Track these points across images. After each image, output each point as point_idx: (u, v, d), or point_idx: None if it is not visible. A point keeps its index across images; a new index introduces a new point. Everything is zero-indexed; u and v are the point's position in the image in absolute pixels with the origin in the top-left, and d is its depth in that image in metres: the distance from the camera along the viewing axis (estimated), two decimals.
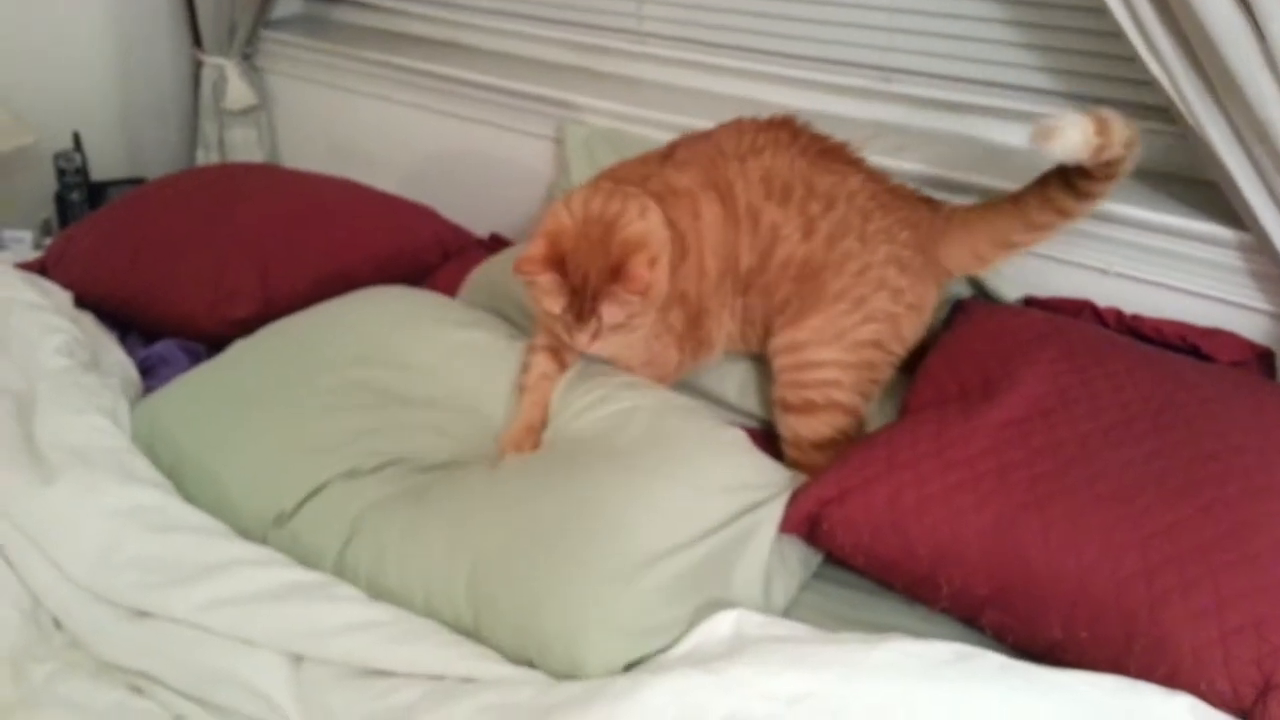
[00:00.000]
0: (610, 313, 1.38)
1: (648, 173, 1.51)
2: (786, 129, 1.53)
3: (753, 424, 1.63)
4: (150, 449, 1.48)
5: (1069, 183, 1.42)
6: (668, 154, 1.55)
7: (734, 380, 1.66)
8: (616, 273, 1.35)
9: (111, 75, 2.71)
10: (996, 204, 1.51)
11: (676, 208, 1.45)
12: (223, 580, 1.25)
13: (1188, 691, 1.06)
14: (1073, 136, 1.31)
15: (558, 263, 1.37)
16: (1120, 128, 1.32)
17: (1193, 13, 1.30)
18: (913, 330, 1.52)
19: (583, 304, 1.38)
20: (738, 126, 1.54)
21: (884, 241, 1.47)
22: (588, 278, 1.37)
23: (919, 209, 1.53)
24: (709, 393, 1.66)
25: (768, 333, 1.53)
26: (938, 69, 1.84)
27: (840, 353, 1.47)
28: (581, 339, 1.41)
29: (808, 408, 1.49)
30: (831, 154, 1.52)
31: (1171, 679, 1.08)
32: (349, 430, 1.47)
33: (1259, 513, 1.16)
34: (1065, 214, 1.46)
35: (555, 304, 1.39)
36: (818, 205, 1.47)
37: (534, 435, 1.49)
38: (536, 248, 1.38)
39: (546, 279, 1.38)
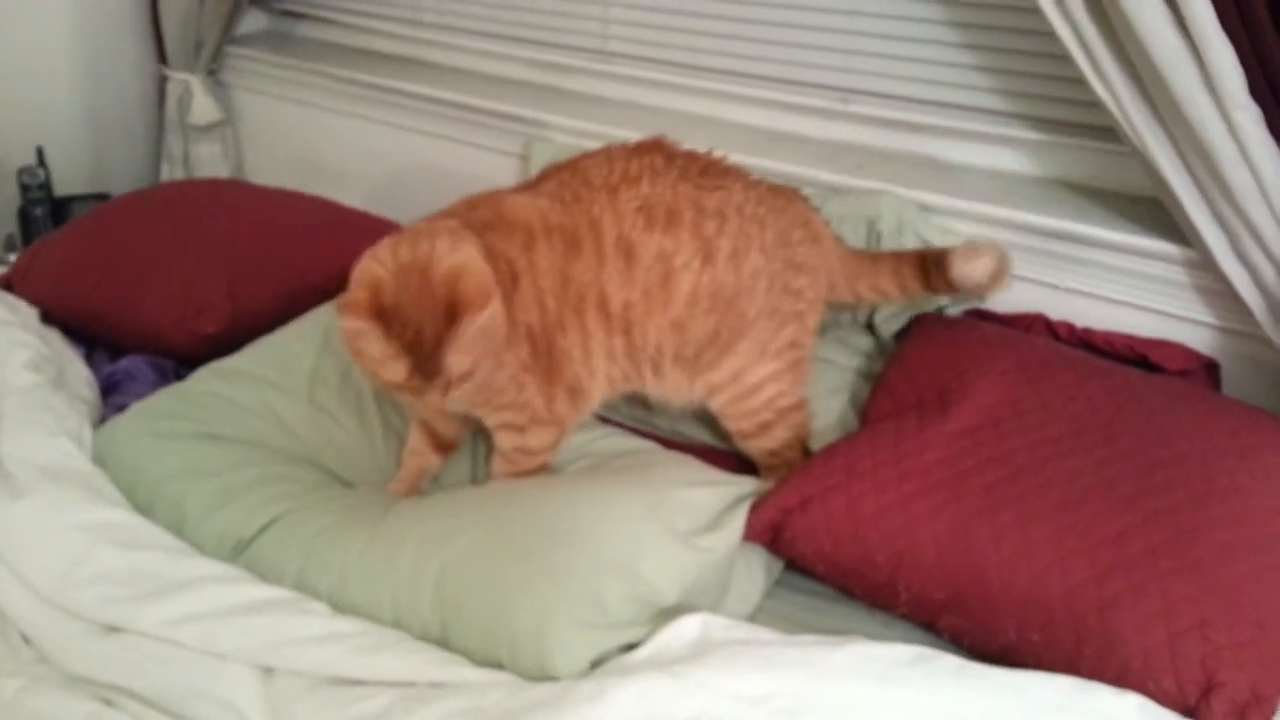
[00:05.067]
0: (456, 360, 1.25)
1: (482, 200, 1.43)
2: (659, 153, 1.46)
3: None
4: (109, 473, 1.49)
5: (925, 273, 1.56)
6: (526, 184, 1.49)
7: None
8: (451, 311, 1.23)
9: (76, 90, 2.70)
10: (859, 254, 1.63)
11: (506, 237, 1.36)
12: (192, 596, 1.26)
13: (1137, 691, 1.09)
14: (988, 265, 1.51)
15: (381, 316, 1.24)
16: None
17: (1136, 38, 1.35)
18: (816, 322, 1.56)
19: (425, 360, 1.25)
20: (607, 155, 1.47)
21: (781, 246, 1.47)
22: (421, 331, 1.24)
23: (800, 204, 1.55)
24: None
25: (686, 367, 1.47)
26: (895, 90, 1.89)
27: (770, 364, 1.48)
28: (434, 396, 1.29)
29: (764, 427, 1.51)
30: (711, 170, 1.47)
31: (1121, 679, 1.11)
32: (303, 465, 1.50)
33: (1202, 518, 1.20)
34: (908, 295, 1.60)
35: (396, 371, 1.26)
36: (712, 225, 1.41)
37: (415, 489, 1.53)
38: (356, 295, 1.25)
39: (372, 331, 1.24)
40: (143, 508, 1.43)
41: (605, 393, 1.49)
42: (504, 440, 1.48)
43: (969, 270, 1.51)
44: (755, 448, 1.54)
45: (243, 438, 1.52)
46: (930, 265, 1.55)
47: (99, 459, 1.51)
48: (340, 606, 1.28)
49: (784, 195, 1.53)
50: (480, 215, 1.39)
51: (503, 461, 1.49)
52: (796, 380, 1.52)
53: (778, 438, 1.51)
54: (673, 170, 1.44)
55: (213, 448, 1.49)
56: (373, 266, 1.27)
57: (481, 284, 1.25)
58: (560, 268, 1.38)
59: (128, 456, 1.50)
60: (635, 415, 1.67)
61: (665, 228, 1.40)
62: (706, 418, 1.63)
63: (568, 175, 1.45)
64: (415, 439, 1.56)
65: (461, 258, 1.26)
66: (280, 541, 1.36)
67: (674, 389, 1.50)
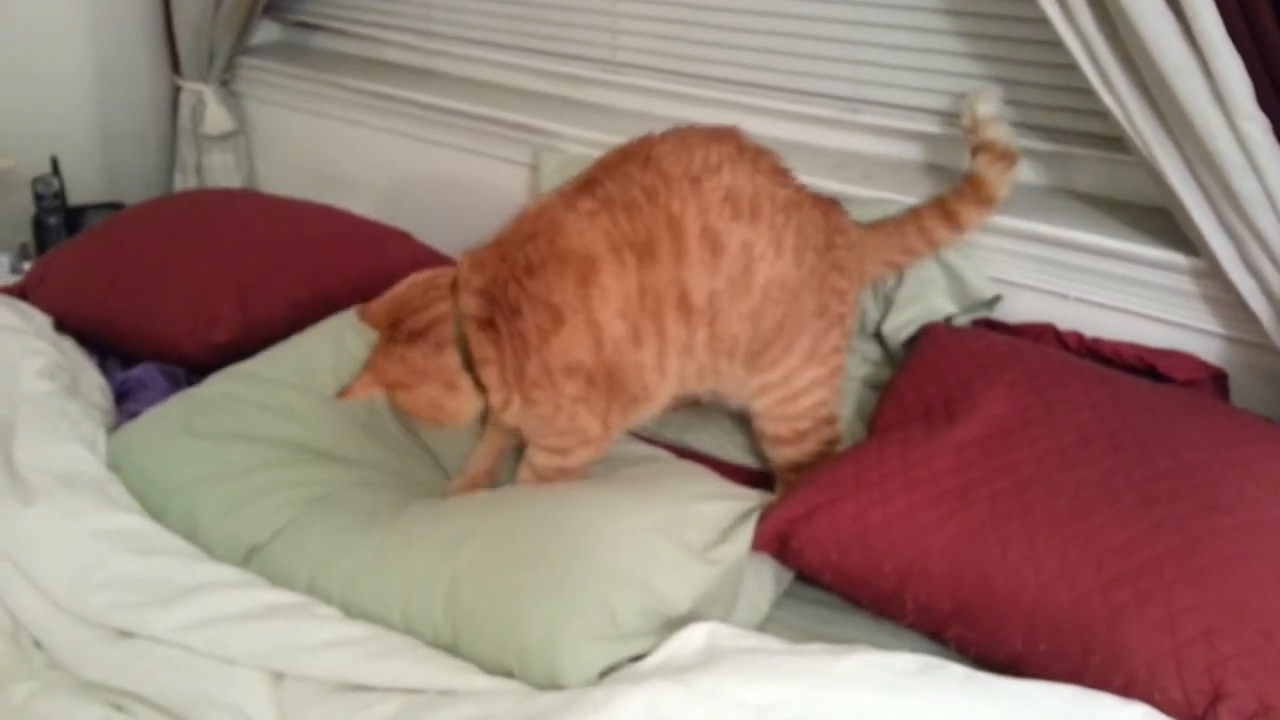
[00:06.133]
0: (358, 390, 1.44)
1: (539, 229, 1.41)
2: (732, 142, 1.45)
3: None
4: (124, 478, 1.50)
5: (946, 211, 1.60)
6: (589, 185, 1.43)
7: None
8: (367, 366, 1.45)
9: (90, 100, 2.73)
10: (882, 225, 1.65)
11: (555, 277, 1.37)
12: (203, 601, 1.27)
13: (1143, 701, 1.09)
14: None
15: (375, 323, 1.47)
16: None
17: (1144, 49, 1.35)
18: (854, 325, 1.58)
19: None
20: (682, 140, 1.44)
21: (828, 249, 1.48)
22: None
23: (839, 213, 1.57)
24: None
25: (749, 362, 1.46)
26: (902, 100, 1.89)
27: (817, 368, 1.49)
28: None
29: (800, 435, 1.51)
30: (775, 169, 1.48)
31: (1127, 689, 1.11)
32: (317, 466, 1.51)
33: (1208, 529, 1.20)
34: (936, 243, 1.64)
35: None
36: (781, 218, 1.42)
37: (477, 489, 1.54)
38: (370, 304, 1.49)
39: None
40: (157, 512, 1.45)
41: (675, 393, 1.48)
42: (542, 459, 1.48)
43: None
44: (783, 457, 1.54)
45: (258, 439, 1.54)
46: (957, 199, 1.61)
47: (114, 464, 1.52)
48: (351, 610, 1.29)
49: (825, 203, 1.55)
50: (529, 254, 1.39)
51: (532, 475, 1.50)
52: (835, 390, 1.53)
53: (806, 451, 1.52)
54: (745, 161, 1.43)
55: (228, 450, 1.51)
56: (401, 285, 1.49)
57: (395, 377, 1.43)
58: (633, 284, 1.38)
59: (142, 461, 1.51)
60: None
61: (750, 218, 1.40)
62: (712, 429, 1.64)
63: (637, 168, 1.42)
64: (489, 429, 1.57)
65: (385, 361, 1.43)
66: (293, 545, 1.37)
67: (735, 386, 1.50)
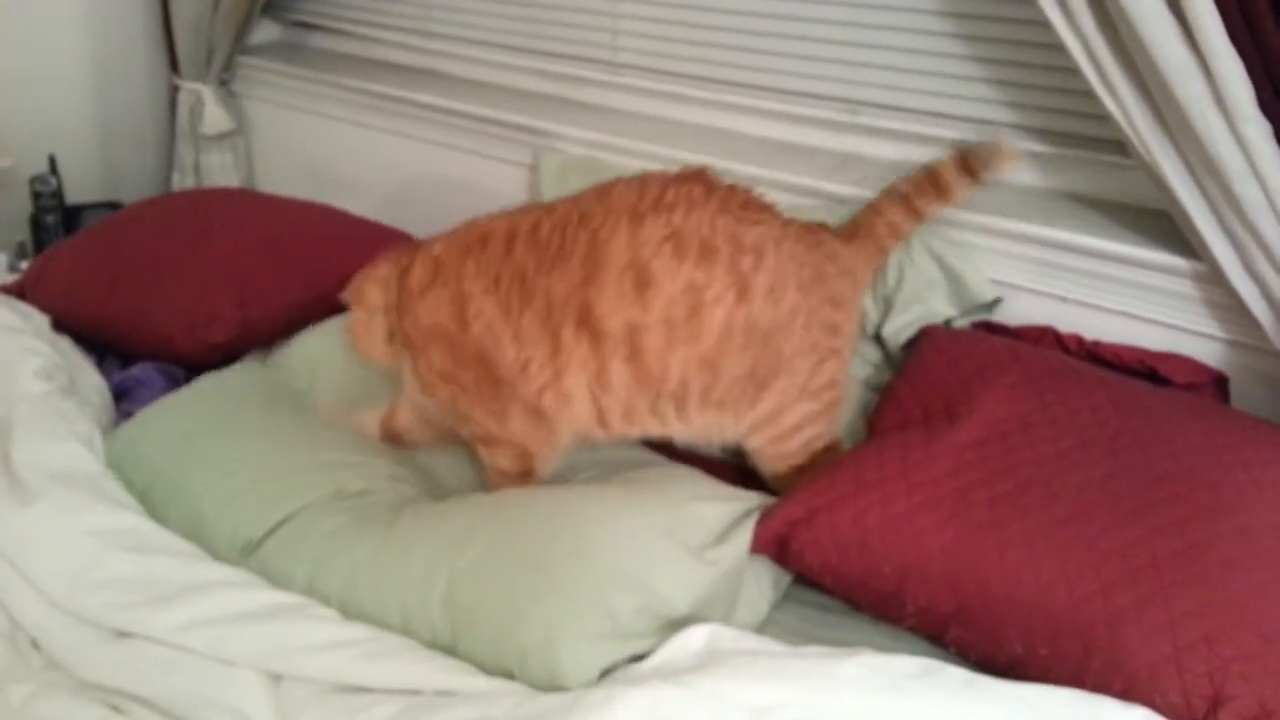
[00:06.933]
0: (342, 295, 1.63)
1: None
2: (699, 184, 1.43)
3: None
4: (123, 476, 1.50)
5: (938, 185, 1.60)
6: (554, 200, 1.52)
7: None
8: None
9: (88, 99, 2.72)
10: (854, 232, 1.63)
11: (449, 243, 1.50)
12: (202, 601, 1.27)
13: (1143, 704, 1.09)
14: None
15: None
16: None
17: (1145, 51, 1.35)
18: (851, 355, 1.56)
19: None
20: (642, 181, 1.44)
21: (818, 283, 1.45)
22: None
23: (830, 240, 1.54)
24: None
25: (721, 408, 1.44)
26: (902, 102, 1.89)
27: (809, 404, 1.47)
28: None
29: (797, 471, 1.50)
30: (750, 204, 1.45)
31: (1128, 693, 1.11)
32: (317, 464, 1.51)
33: (1208, 532, 1.20)
34: (922, 217, 1.63)
35: None
36: (749, 260, 1.38)
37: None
38: None
39: None
40: (159, 509, 1.45)
41: (588, 427, 1.45)
42: (480, 455, 1.52)
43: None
44: (781, 485, 1.52)
45: (259, 436, 1.53)
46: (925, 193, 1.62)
47: (114, 463, 1.52)
48: (350, 611, 1.29)
49: (814, 231, 1.51)
50: (460, 229, 1.52)
51: (487, 476, 1.52)
52: (831, 420, 1.52)
53: (803, 478, 1.51)
54: (712, 202, 1.41)
55: (225, 448, 1.51)
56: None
57: (353, 290, 1.60)
58: (514, 271, 1.40)
59: (142, 459, 1.51)
60: None
61: (698, 260, 1.37)
62: None
63: (591, 196, 1.44)
64: (380, 414, 1.64)
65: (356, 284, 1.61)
66: (291, 542, 1.37)
67: (709, 430, 1.48)
